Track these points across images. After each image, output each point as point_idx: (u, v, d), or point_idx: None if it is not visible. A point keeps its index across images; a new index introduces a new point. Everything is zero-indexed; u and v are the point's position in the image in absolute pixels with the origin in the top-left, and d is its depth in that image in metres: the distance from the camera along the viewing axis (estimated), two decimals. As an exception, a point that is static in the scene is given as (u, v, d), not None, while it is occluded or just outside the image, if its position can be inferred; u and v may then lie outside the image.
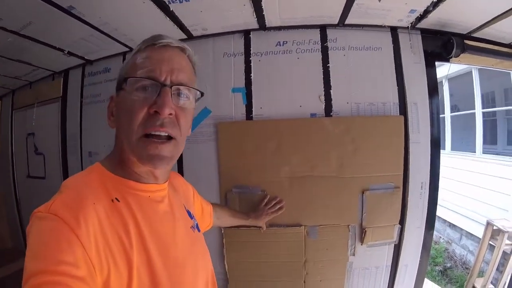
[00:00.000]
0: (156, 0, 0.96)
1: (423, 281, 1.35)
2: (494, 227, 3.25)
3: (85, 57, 1.49)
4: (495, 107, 4.19)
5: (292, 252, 1.22)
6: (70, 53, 1.40)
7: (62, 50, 1.36)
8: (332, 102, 1.22)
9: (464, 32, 1.24)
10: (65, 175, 1.61)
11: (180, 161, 1.29)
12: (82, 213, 0.43)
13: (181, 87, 0.52)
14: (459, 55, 1.21)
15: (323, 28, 1.23)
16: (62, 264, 0.38)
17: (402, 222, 1.23)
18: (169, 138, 0.51)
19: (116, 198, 0.49)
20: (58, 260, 0.38)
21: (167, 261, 0.51)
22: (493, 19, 1.10)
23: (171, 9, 1.01)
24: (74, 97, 1.60)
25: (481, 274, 3.33)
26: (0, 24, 1.09)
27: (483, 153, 4.19)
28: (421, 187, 1.24)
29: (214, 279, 0.67)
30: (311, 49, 1.23)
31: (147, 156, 0.50)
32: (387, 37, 1.23)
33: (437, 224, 4.67)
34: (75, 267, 0.38)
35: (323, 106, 1.22)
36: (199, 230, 0.67)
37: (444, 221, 4.54)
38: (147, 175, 0.55)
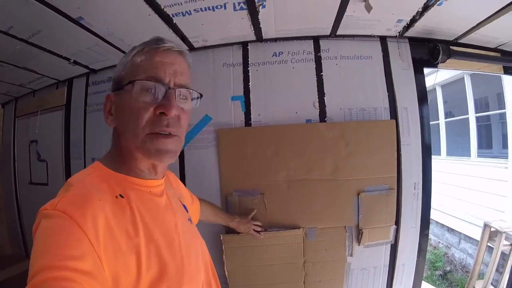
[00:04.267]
0: (161, 13, 1.02)
1: (421, 281, 1.37)
2: (492, 229, 3.23)
3: (90, 66, 1.52)
4: (489, 111, 4.24)
5: (291, 254, 1.24)
6: (76, 62, 1.44)
7: (68, 59, 1.39)
8: (326, 108, 1.27)
9: (451, 39, 1.30)
10: None
11: (182, 166, 1.33)
12: (89, 210, 0.43)
13: (183, 90, 0.54)
14: (446, 60, 1.27)
15: (316, 39, 1.29)
16: (69, 260, 0.38)
17: (397, 222, 1.26)
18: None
19: (120, 195, 0.50)
20: (65, 255, 0.38)
21: (173, 251, 0.53)
22: (477, 25, 1.16)
23: (174, 22, 1.07)
24: (78, 105, 1.63)
25: (481, 276, 3.30)
26: (10, 31, 1.12)
27: (478, 156, 4.20)
28: (414, 187, 1.28)
29: (214, 268, 0.69)
30: (305, 59, 1.29)
31: (156, 150, 0.51)
32: (377, 46, 1.30)
33: (436, 229, 4.65)
34: (83, 262, 0.38)
35: (318, 112, 1.28)
36: (192, 223, 0.69)
37: (442, 225, 4.52)
38: (148, 170, 0.56)
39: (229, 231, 1.24)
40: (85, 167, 1.58)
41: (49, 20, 1.03)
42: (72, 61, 1.42)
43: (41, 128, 1.84)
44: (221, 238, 1.23)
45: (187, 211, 0.70)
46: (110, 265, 0.42)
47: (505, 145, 3.71)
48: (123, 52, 1.33)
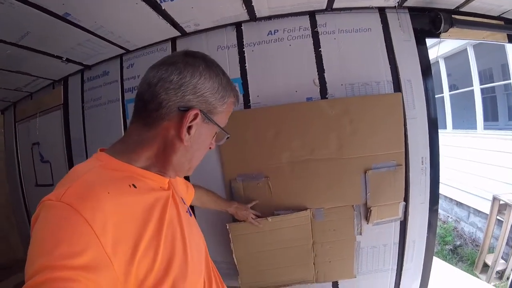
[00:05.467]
0: (149, 2, 0.99)
1: (432, 256, 1.37)
2: (501, 202, 3.22)
3: (83, 63, 1.51)
4: (493, 83, 4.16)
5: (299, 236, 1.23)
6: (68, 60, 1.43)
7: (60, 58, 1.39)
8: (326, 85, 1.24)
9: (452, 7, 1.25)
10: None
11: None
12: (97, 203, 0.42)
13: None
14: (448, 30, 1.22)
15: (312, 14, 1.25)
16: (72, 257, 0.36)
17: (406, 199, 1.25)
18: None
19: (133, 185, 0.50)
20: (68, 253, 0.36)
21: (178, 243, 0.53)
22: None
23: (163, 8, 1.04)
24: (75, 103, 1.63)
25: (491, 250, 3.30)
26: None
27: (484, 129, 4.15)
28: (422, 162, 1.25)
29: (209, 257, 0.71)
30: (302, 35, 1.25)
31: (192, 172, 0.62)
32: (376, 17, 1.25)
33: (444, 203, 4.65)
34: (86, 259, 0.37)
35: (318, 90, 1.25)
36: (190, 214, 0.70)
37: (451, 200, 4.53)
38: (171, 174, 0.60)
39: (236, 219, 1.24)
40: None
41: (35, 20, 1.02)
42: (64, 59, 1.41)
43: (42, 130, 1.85)
44: (227, 227, 1.22)
45: (185, 203, 0.71)
46: (120, 259, 0.41)
47: (511, 117, 3.69)
48: (115, 44, 1.31)
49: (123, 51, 1.40)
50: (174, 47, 1.35)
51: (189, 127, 0.53)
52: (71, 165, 1.66)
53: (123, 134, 1.44)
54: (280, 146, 1.23)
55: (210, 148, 0.62)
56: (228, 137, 0.62)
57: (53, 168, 1.79)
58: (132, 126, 0.56)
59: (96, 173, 0.48)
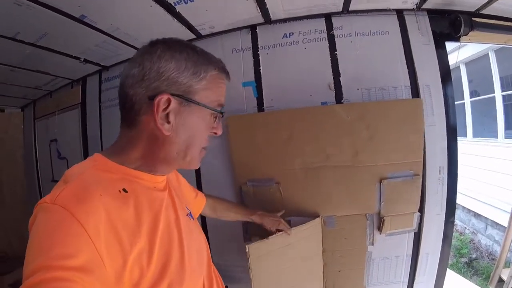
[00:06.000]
0: (162, 3, 1.00)
1: (446, 270, 1.31)
2: None
3: (101, 63, 1.55)
4: None
5: (311, 245, 1.19)
6: (86, 61, 1.47)
7: (78, 58, 1.43)
8: (342, 89, 1.22)
9: (472, 10, 1.21)
10: None
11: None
12: (90, 205, 0.42)
13: None
14: (468, 33, 1.18)
15: (328, 17, 1.23)
16: (67, 258, 0.37)
17: (421, 209, 1.20)
18: None
19: (124, 189, 0.49)
20: (63, 254, 0.37)
21: (174, 246, 0.53)
22: None
23: (177, 11, 1.05)
24: (93, 102, 1.68)
25: (507, 264, 3.20)
26: (18, 37, 1.16)
27: (505, 138, 4.02)
28: (439, 172, 1.21)
29: (211, 262, 0.70)
30: (318, 38, 1.24)
31: (198, 163, 0.58)
32: (393, 20, 1.22)
33: (462, 214, 4.55)
34: (80, 259, 0.37)
35: (334, 94, 1.22)
36: (192, 218, 0.69)
37: (469, 211, 4.41)
38: (163, 170, 0.58)
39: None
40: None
41: (53, 21, 1.06)
42: (82, 59, 1.45)
43: (60, 127, 1.92)
44: (247, 249, 0.98)
45: (186, 207, 0.70)
46: (112, 262, 0.41)
47: None
48: (131, 46, 1.34)
49: (141, 53, 1.43)
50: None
51: (167, 115, 0.51)
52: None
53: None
54: (292, 151, 1.20)
55: (215, 133, 0.58)
56: (222, 115, 0.59)
57: (70, 164, 1.85)
58: (121, 130, 0.56)
59: (89, 175, 0.48)
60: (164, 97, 0.49)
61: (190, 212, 0.69)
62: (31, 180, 2.22)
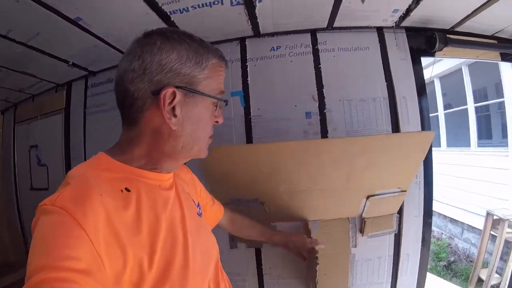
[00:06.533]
0: (159, 11, 1.02)
1: (426, 269, 1.37)
2: (495, 217, 3.24)
3: (88, 68, 1.53)
4: (487, 101, 4.24)
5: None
6: (74, 64, 1.44)
7: (66, 62, 1.40)
8: (325, 100, 1.28)
9: (447, 27, 1.31)
10: None
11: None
12: (89, 206, 0.41)
13: None
14: (443, 49, 1.28)
15: (313, 32, 1.30)
16: (68, 260, 0.37)
17: (400, 211, 1.26)
18: None
19: (126, 188, 0.48)
20: (64, 255, 0.37)
21: (178, 247, 0.51)
22: (472, 12, 1.16)
23: (172, 19, 1.07)
24: (78, 108, 1.64)
25: (485, 265, 3.33)
26: (9, 35, 1.12)
27: (478, 146, 4.22)
28: (416, 177, 1.28)
29: (220, 264, 0.68)
30: (303, 52, 1.30)
31: (205, 152, 0.58)
32: (374, 37, 1.30)
33: (438, 221, 4.68)
34: (81, 261, 0.37)
35: (317, 105, 1.28)
36: (200, 216, 0.67)
37: (445, 217, 4.55)
38: (168, 166, 0.56)
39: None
40: (86, 170, 1.60)
41: (48, 22, 1.03)
42: (70, 63, 1.42)
43: (41, 133, 1.84)
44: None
45: (197, 206, 0.69)
46: (111, 263, 0.41)
47: (505, 135, 3.72)
48: (123, 52, 1.33)
49: (130, 59, 1.43)
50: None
51: (173, 109, 0.49)
52: (68, 170, 1.64)
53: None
54: (276, 180, 1.10)
55: (217, 122, 0.58)
56: (226, 103, 0.59)
57: (50, 172, 1.78)
58: (123, 127, 0.54)
59: (91, 175, 0.47)
60: (169, 90, 0.48)
61: (200, 212, 0.68)
62: (8, 186, 2.11)
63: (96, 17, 1.05)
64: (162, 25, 1.09)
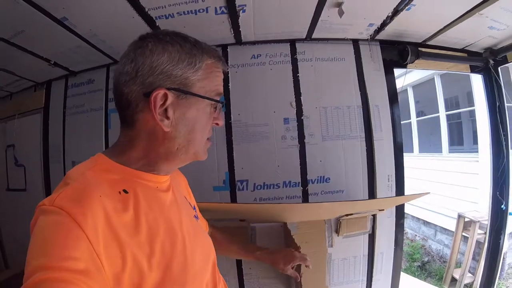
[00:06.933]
0: (145, 16, 1.04)
1: (400, 268, 1.44)
2: (466, 219, 3.38)
3: (70, 68, 1.51)
4: (459, 109, 4.45)
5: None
6: (56, 64, 1.42)
7: (48, 61, 1.38)
8: (302, 107, 1.33)
9: (419, 41, 1.40)
10: (47, 186, 1.60)
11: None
12: (88, 206, 0.41)
13: None
14: (414, 61, 1.37)
15: (292, 42, 1.35)
16: (67, 260, 0.36)
17: (373, 213, 1.32)
18: None
19: (124, 190, 0.48)
20: (63, 255, 0.36)
21: (177, 249, 0.51)
22: (444, 27, 1.25)
23: (157, 24, 1.09)
24: (57, 108, 1.61)
25: (458, 265, 3.45)
26: None
27: (449, 152, 4.40)
28: (388, 179, 1.35)
29: (216, 266, 0.67)
30: (282, 61, 1.35)
31: (204, 153, 0.57)
32: (350, 48, 1.38)
33: (412, 223, 4.81)
34: (80, 262, 0.37)
35: (295, 111, 1.33)
36: (197, 219, 0.67)
37: (418, 219, 4.68)
38: (166, 168, 0.56)
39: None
40: (64, 171, 1.56)
41: (34, 20, 1.02)
42: (52, 62, 1.40)
43: (19, 132, 1.79)
44: None
45: (194, 208, 0.68)
46: (111, 264, 0.41)
47: (475, 141, 3.86)
48: (105, 54, 1.34)
49: (111, 61, 1.43)
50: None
51: (166, 110, 0.49)
52: (46, 170, 1.62)
53: (103, 142, 1.47)
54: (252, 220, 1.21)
55: (217, 124, 0.57)
56: (223, 104, 0.58)
57: (27, 172, 1.73)
58: (120, 130, 0.54)
59: (90, 176, 0.47)
60: (160, 92, 0.48)
61: (197, 214, 0.68)
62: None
63: (83, 18, 1.05)
64: (147, 29, 1.10)
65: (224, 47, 1.35)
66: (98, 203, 0.42)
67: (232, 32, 1.22)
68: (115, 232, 0.43)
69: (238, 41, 1.31)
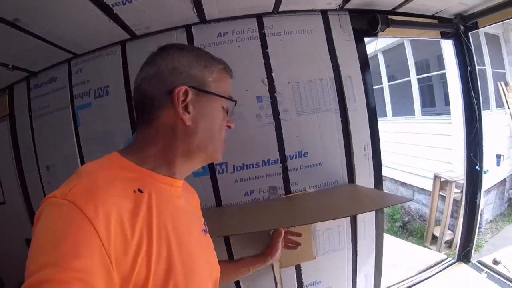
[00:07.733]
0: (101, 5, 0.98)
1: (383, 232, 1.50)
2: (442, 179, 3.59)
3: (29, 69, 1.42)
4: (430, 73, 4.59)
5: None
6: (14, 67, 1.34)
7: (6, 65, 1.30)
8: (274, 83, 1.31)
9: (389, 9, 1.39)
10: (26, 196, 1.53)
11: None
12: (101, 204, 0.40)
13: None
14: (385, 30, 1.36)
15: (259, 17, 1.31)
16: (76, 259, 0.35)
17: (352, 181, 1.37)
18: None
19: (139, 189, 0.48)
20: (72, 254, 0.36)
21: (183, 257, 0.50)
22: None
23: (114, 12, 1.03)
24: (22, 112, 1.52)
25: (438, 223, 3.67)
26: None
27: (422, 115, 4.57)
28: (364, 149, 1.38)
29: (218, 283, 0.67)
30: (250, 37, 1.30)
31: (220, 155, 0.61)
32: (319, 20, 1.35)
33: (390, 185, 5.04)
34: (90, 262, 0.36)
35: (267, 88, 1.31)
36: (206, 232, 0.67)
37: (396, 181, 4.92)
38: (181, 168, 0.57)
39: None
40: (40, 177, 1.49)
41: None
42: (10, 66, 1.32)
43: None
44: None
45: (204, 224, 0.68)
46: (120, 264, 0.40)
47: (447, 102, 4.02)
48: (64, 49, 1.26)
49: (71, 55, 1.34)
50: (123, 50, 1.32)
51: (186, 106, 0.53)
52: (23, 181, 1.54)
53: (75, 142, 1.39)
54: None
55: (229, 127, 0.61)
56: (235, 103, 0.62)
57: (4, 185, 1.64)
58: (137, 130, 0.57)
59: (105, 173, 0.47)
60: (182, 88, 0.52)
61: (205, 227, 0.68)
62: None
63: (35, 16, 0.99)
64: (104, 18, 1.05)
65: (188, 27, 1.29)
66: (112, 201, 0.42)
67: (195, 10, 1.16)
68: (126, 233, 0.42)
69: (202, 20, 1.25)
